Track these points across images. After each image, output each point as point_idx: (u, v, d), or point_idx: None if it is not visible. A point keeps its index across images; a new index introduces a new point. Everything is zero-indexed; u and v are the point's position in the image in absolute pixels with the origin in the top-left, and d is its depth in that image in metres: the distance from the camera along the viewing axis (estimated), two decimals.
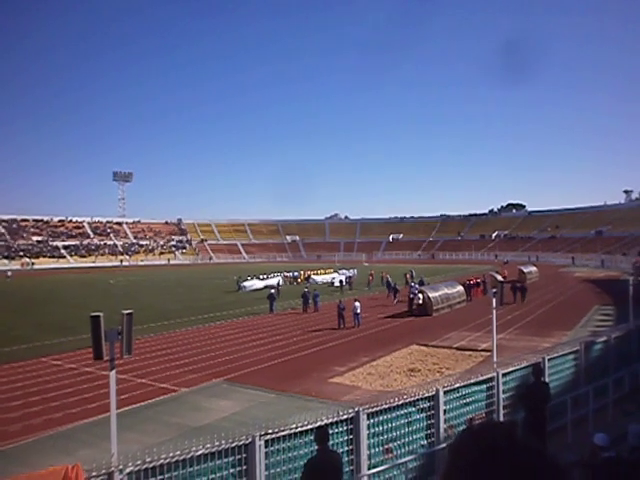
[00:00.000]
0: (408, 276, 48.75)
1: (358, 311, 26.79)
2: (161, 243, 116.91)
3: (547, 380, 12.09)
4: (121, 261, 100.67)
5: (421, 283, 41.37)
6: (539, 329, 24.78)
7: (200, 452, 7.28)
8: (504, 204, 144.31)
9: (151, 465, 6.86)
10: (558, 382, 12.75)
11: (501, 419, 11.08)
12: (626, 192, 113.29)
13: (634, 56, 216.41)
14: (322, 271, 58.41)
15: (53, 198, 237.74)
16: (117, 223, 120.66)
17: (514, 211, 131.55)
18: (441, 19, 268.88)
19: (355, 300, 27.64)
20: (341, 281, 46.99)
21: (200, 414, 13.48)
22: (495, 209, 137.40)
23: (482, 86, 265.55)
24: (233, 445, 7.57)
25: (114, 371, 8.54)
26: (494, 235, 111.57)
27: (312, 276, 54.56)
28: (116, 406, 8.72)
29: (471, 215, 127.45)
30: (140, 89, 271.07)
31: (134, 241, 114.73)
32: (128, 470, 6.68)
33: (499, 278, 35.71)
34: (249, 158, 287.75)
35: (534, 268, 51.26)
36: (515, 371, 11.76)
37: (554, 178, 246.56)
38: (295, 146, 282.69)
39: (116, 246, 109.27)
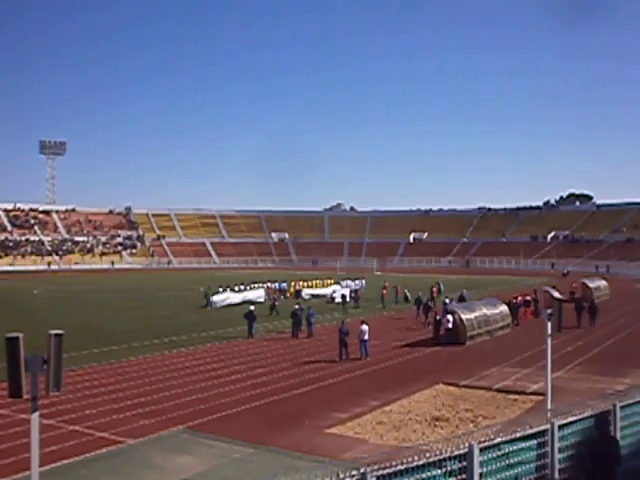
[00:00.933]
0: (435, 290, 48.87)
1: (366, 337, 26.85)
2: (103, 240, 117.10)
3: (619, 435, 12.13)
4: (49, 264, 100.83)
5: (461, 299, 41.48)
6: (609, 366, 24.85)
7: None
8: (564, 194, 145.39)
9: None
10: (633, 438, 12.79)
11: None
12: None
13: None
14: (319, 282, 58.44)
15: None
16: (44, 212, 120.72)
17: (577, 204, 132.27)
18: None
19: (362, 322, 27.70)
20: (344, 296, 47.01)
21: (153, 474, 13.51)
22: (552, 201, 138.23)
23: (538, 31, 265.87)
24: None
25: (37, 413, 8.52)
26: (550, 236, 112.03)
27: (304, 290, 54.43)
28: (40, 462, 8.72)
29: (519, 208, 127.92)
30: (77, 30, 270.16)
31: (67, 237, 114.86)
32: None
33: (556, 295, 35.91)
34: (223, 128, 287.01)
35: (603, 282, 51.41)
36: (576, 422, 11.78)
37: (632, 161, 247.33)
38: (285, 113, 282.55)
39: (42, 243, 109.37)
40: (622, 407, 12.63)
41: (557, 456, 11.32)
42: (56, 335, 8.76)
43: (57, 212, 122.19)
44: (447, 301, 38.61)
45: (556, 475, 11.26)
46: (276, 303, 42.73)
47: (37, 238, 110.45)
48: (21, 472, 11.96)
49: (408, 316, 41.20)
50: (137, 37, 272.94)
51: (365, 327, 27.08)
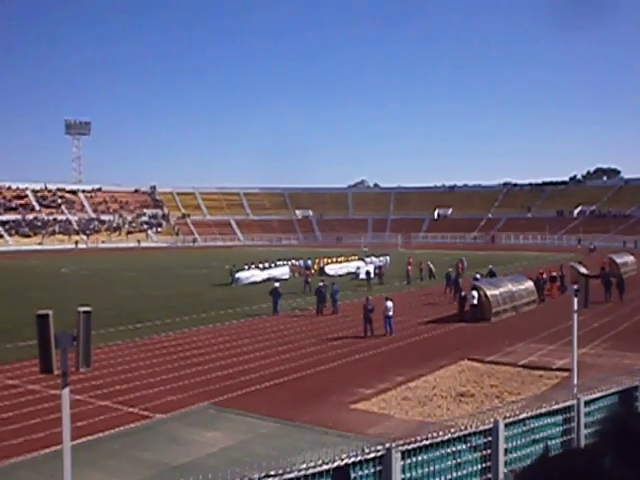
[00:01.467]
0: (461, 266, 48.60)
1: (390, 313, 26.86)
2: (129, 219, 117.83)
3: None
4: (76, 243, 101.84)
5: (491, 274, 41.26)
6: (636, 342, 24.62)
7: None
8: (591, 169, 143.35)
9: None
10: None
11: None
12: None
13: None
14: (343, 259, 58.35)
15: None
16: (71, 191, 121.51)
17: (605, 179, 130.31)
18: None
19: (387, 299, 27.68)
20: (368, 272, 46.95)
21: (180, 449, 13.66)
22: (579, 176, 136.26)
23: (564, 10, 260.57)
24: None
25: (67, 389, 8.66)
26: (577, 212, 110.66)
27: (327, 267, 54.42)
28: (70, 436, 8.88)
29: (545, 184, 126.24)
30: (105, 15, 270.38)
31: (93, 216, 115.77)
32: None
33: (583, 270, 35.56)
34: (247, 106, 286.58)
35: (631, 258, 50.73)
36: (602, 398, 11.74)
37: None
38: (308, 90, 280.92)
39: (70, 222, 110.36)
40: None
41: (583, 432, 11.30)
42: (85, 312, 8.85)
43: (84, 192, 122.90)
44: (478, 276, 38.50)
45: None
46: (309, 280, 42.84)
47: (64, 217, 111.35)
48: (53, 446, 12.18)
49: (433, 292, 41.12)
50: (160, 17, 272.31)
51: (390, 303, 27.07)
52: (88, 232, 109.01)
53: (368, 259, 57.16)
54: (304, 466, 8.26)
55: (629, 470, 6.64)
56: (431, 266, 50.57)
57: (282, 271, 51.40)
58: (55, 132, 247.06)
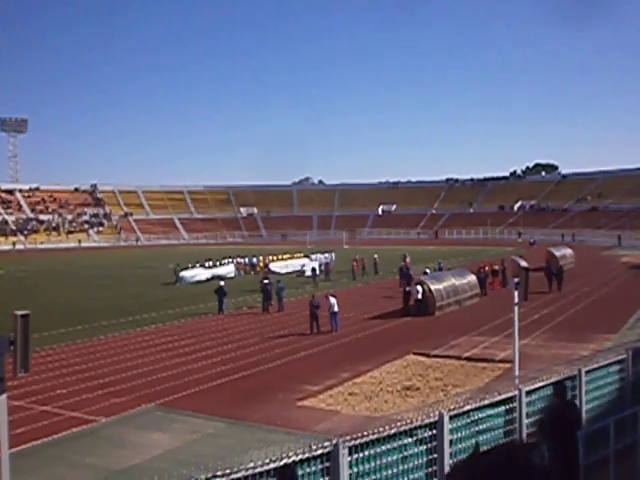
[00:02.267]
0: (408, 261, 49.11)
1: (335, 310, 26.99)
2: (69, 218, 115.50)
3: (584, 399, 12.42)
4: (14, 244, 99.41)
5: (440, 269, 41.79)
6: (575, 332, 25.33)
7: None
8: (530, 165, 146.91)
9: None
10: (599, 401, 13.10)
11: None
12: None
13: None
14: (289, 256, 58.35)
15: None
16: (7, 191, 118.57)
17: (543, 174, 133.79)
18: None
19: (331, 295, 27.79)
20: (314, 269, 47.11)
21: (125, 452, 13.51)
22: (519, 171, 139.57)
23: (500, 15, 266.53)
24: None
25: (4, 395, 8.46)
26: (517, 206, 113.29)
27: (271, 265, 54.24)
28: (8, 443, 8.66)
29: (487, 179, 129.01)
30: (39, 9, 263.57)
31: (31, 216, 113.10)
32: None
33: (523, 264, 36.33)
34: (189, 100, 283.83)
35: (569, 251, 52.18)
36: (542, 388, 12.04)
37: (596, 131, 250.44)
38: (253, 84, 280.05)
39: (6, 223, 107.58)
40: (587, 372, 12.93)
41: (525, 421, 11.57)
42: (22, 316, 8.66)
43: (21, 191, 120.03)
44: (427, 271, 39.29)
45: (525, 440, 11.51)
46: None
47: (0, 218, 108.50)
48: None
49: (384, 286, 41.55)
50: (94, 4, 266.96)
51: (333, 300, 27.19)
52: (26, 232, 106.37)
53: (314, 256, 57.30)
54: (251, 465, 8.23)
55: (560, 461, 6.86)
56: (376, 261, 51.23)
57: (228, 269, 51.11)
58: None
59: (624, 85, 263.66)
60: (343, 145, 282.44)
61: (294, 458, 8.57)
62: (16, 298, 35.81)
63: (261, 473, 8.27)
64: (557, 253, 48.32)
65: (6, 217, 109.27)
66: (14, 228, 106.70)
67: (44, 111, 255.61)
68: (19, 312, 8.69)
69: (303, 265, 52.79)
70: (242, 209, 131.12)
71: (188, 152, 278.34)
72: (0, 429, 8.38)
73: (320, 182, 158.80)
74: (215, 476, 7.99)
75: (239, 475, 8.15)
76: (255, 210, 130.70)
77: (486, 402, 11.16)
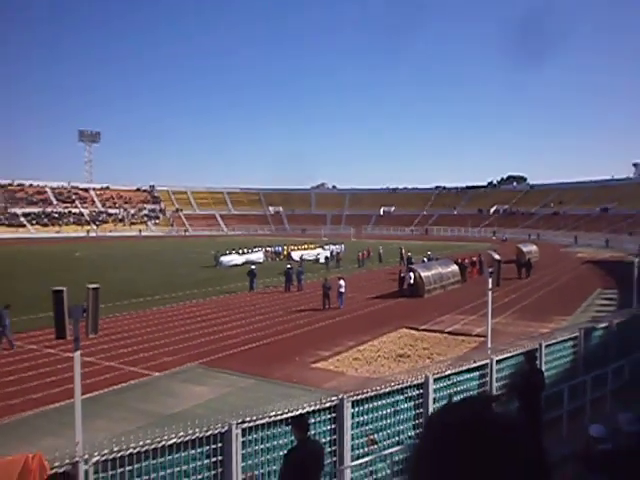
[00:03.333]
0: (405, 252, 48.99)
1: (342, 290, 26.97)
2: (132, 212, 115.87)
3: (543, 368, 12.35)
4: (88, 232, 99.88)
5: (430, 259, 41.73)
6: (537, 313, 25.19)
7: (172, 441, 7.33)
8: (504, 176, 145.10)
9: (119, 455, 6.90)
10: (555, 370, 13.03)
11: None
12: (635, 165, 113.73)
13: None
14: (306, 246, 58.33)
15: (11, 159, 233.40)
16: (83, 189, 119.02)
17: (515, 184, 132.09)
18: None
19: (340, 278, 27.80)
20: (327, 257, 47.08)
21: (172, 400, 13.59)
22: (494, 181, 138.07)
23: (483, 54, 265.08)
24: (208, 434, 7.64)
25: (79, 352, 8.52)
26: (492, 210, 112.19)
27: (292, 253, 54.21)
28: (81, 391, 8.74)
29: (468, 187, 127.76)
30: (111, 41, 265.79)
31: (102, 209, 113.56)
32: (94, 460, 6.71)
33: (496, 257, 36.11)
34: (230, 120, 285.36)
35: (534, 247, 51.73)
36: (510, 358, 11.99)
37: (559, 149, 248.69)
38: (281, 110, 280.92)
39: (82, 215, 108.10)
40: (547, 346, 12.85)
41: (495, 384, 11.54)
42: (93, 289, 8.74)
43: (94, 189, 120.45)
44: (425, 259, 40.51)
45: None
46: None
47: (78, 210, 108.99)
48: (67, 399, 11.98)
49: (378, 274, 41.47)
50: (156, 31, 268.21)
51: (342, 282, 27.19)
52: (98, 223, 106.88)
53: (327, 246, 57.21)
54: (273, 413, 8.28)
55: (527, 416, 6.81)
56: (380, 252, 51.19)
57: (257, 256, 51.14)
58: (70, 140, 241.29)
59: (584, 110, 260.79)
60: (353, 158, 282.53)
61: (307, 409, 8.62)
62: (89, 275, 36.06)
63: (281, 420, 8.32)
64: (525, 249, 47.95)
65: (82, 210, 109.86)
66: (88, 219, 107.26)
67: (114, 125, 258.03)
68: (91, 285, 8.76)
69: (318, 254, 52.72)
70: (270, 208, 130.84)
71: (228, 161, 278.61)
72: (75, 379, 8.47)
73: (334, 187, 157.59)
74: (244, 421, 8.03)
75: (263, 421, 8.19)
76: (281, 209, 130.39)
77: (464, 368, 11.13)
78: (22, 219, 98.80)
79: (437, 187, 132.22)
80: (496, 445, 0.80)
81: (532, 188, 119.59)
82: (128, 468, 6.99)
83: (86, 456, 6.70)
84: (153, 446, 7.19)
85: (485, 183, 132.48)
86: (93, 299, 8.72)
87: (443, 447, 0.83)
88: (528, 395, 9.62)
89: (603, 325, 15.19)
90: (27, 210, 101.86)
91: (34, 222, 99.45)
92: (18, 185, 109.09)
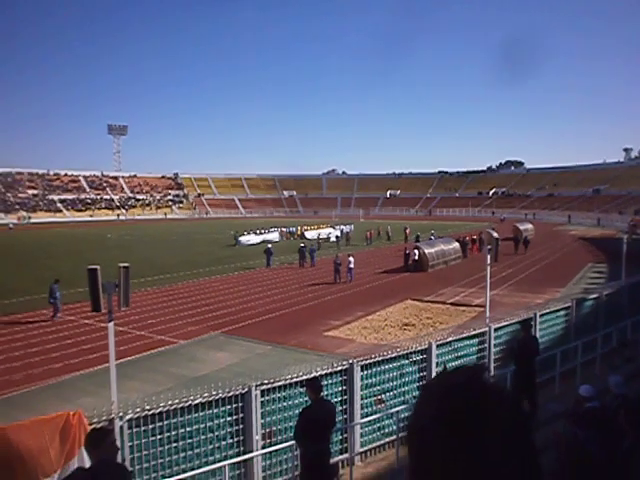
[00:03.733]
0: (408, 231, 48.97)
1: (352, 266, 27.00)
2: (158, 197, 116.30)
3: (538, 335, 12.32)
4: (118, 215, 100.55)
5: (433, 237, 41.75)
6: (533, 286, 25.06)
7: (198, 401, 7.49)
8: (502, 161, 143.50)
9: (150, 412, 7.06)
10: (549, 337, 13.01)
11: (492, 372, 11.36)
12: (626, 150, 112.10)
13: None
14: (319, 226, 58.23)
15: (48, 151, 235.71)
16: (113, 177, 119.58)
17: (512, 168, 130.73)
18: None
19: (349, 255, 27.81)
20: (337, 236, 47.05)
21: (198, 365, 13.76)
22: (493, 166, 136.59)
23: (481, 47, 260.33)
24: (230, 394, 7.77)
25: (112, 323, 8.63)
26: (491, 192, 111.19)
27: (306, 232, 54.21)
28: (115, 356, 8.86)
29: (469, 172, 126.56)
30: (135, 42, 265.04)
31: (131, 195, 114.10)
32: (128, 417, 6.88)
33: (495, 235, 35.97)
34: (247, 112, 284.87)
35: (530, 226, 51.28)
36: (506, 326, 11.97)
37: (554, 135, 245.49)
38: (294, 101, 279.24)
39: (112, 200, 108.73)
40: (541, 315, 12.82)
41: (493, 350, 11.54)
42: (124, 267, 8.84)
43: (123, 177, 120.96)
44: (432, 238, 40.53)
45: (492, 364, 11.49)
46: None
47: (108, 197, 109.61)
48: (103, 364, 12.18)
49: (386, 251, 41.40)
50: (182, 34, 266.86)
51: (351, 259, 27.20)
52: (127, 207, 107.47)
53: (337, 227, 57.13)
54: (289, 376, 8.37)
55: (523, 379, 6.83)
56: (389, 231, 51.12)
57: (273, 236, 51.20)
58: (101, 133, 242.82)
59: (577, 98, 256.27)
60: (361, 145, 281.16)
61: (320, 372, 8.69)
62: (120, 254, 36.36)
63: (296, 382, 8.41)
64: (521, 227, 47.53)
65: (112, 196, 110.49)
66: (118, 204, 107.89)
67: (140, 118, 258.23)
68: (121, 264, 8.86)
69: (329, 233, 52.70)
70: (285, 192, 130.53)
71: (246, 148, 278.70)
72: (109, 346, 8.60)
73: (343, 172, 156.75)
74: (262, 383, 8.13)
75: (280, 383, 8.29)
76: (294, 193, 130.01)
77: (464, 335, 11.14)
78: (59, 205, 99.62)
79: (439, 172, 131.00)
80: (484, 407, 0.86)
81: (528, 172, 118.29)
82: (158, 424, 7.16)
83: (121, 413, 6.85)
84: (181, 405, 7.34)
85: (484, 168, 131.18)
86: (124, 276, 8.83)
87: (437, 410, 0.88)
88: (523, 359, 9.65)
89: (593, 296, 15.09)
90: (63, 197, 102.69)
91: (69, 207, 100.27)
92: (55, 175, 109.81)
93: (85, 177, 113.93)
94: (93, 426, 6.51)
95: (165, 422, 7.22)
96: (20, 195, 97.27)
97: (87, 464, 5.99)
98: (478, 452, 0.82)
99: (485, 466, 0.81)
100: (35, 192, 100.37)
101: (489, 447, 0.83)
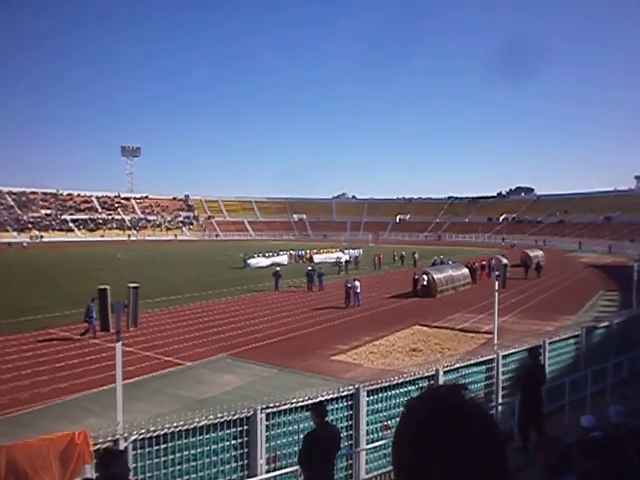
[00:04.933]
0: (416, 256, 48.92)
1: (358, 290, 26.97)
2: (168, 219, 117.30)
3: (547, 363, 12.21)
4: (129, 236, 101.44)
5: (442, 263, 41.59)
6: (543, 313, 24.85)
7: (203, 423, 7.49)
8: (513, 187, 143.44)
9: (155, 434, 7.08)
10: (558, 365, 12.87)
11: (499, 400, 11.24)
12: (637, 178, 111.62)
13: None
14: (328, 250, 58.27)
15: (61, 172, 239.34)
16: (125, 198, 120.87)
17: (523, 195, 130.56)
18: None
19: (355, 280, 27.79)
20: (347, 261, 46.99)
21: (204, 387, 13.73)
22: (503, 192, 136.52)
23: (490, 72, 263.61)
24: (235, 417, 7.77)
25: (120, 343, 8.70)
26: (501, 218, 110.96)
27: (314, 256, 54.24)
28: (122, 377, 8.90)
29: (479, 198, 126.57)
30: (149, 65, 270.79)
31: (142, 216, 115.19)
32: (133, 438, 6.89)
33: (504, 261, 35.79)
34: (258, 135, 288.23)
35: (540, 252, 51.02)
36: (515, 353, 11.87)
37: (564, 162, 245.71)
38: (305, 125, 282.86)
39: (124, 221, 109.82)
40: (550, 343, 12.71)
41: (500, 377, 11.44)
42: (133, 287, 8.93)
43: (134, 198, 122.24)
44: (436, 262, 41.31)
45: (500, 392, 11.37)
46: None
47: (120, 217, 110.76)
48: (110, 384, 12.19)
49: (394, 276, 41.30)
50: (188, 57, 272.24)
51: (357, 283, 27.18)
52: (138, 228, 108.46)
53: (347, 251, 57.14)
54: (294, 400, 8.35)
55: (529, 407, 6.84)
56: (403, 254, 51.27)
57: (282, 258, 51.30)
58: (113, 154, 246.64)
59: (588, 125, 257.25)
60: (371, 170, 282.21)
61: (326, 397, 8.67)
62: (129, 274, 36.59)
63: (302, 406, 8.38)
64: (531, 253, 47.37)
65: (124, 217, 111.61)
66: (129, 225, 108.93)
67: (153, 140, 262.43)
68: (131, 284, 8.96)
69: (338, 257, 52.66)
70: (295, 215, 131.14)
71: (256, 173, 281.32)
72: (116, 366, 8.64)
73: (353, 197, 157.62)
74: (268, 407, 8.11)
75: (285, 407, 8.27)
76: (304, 216, 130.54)
77: (472, 362, 11.07)
78: (71, 224, 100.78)
79: (449, 197, 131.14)
80: (462, 425, 0.92)
81: (539, 198, 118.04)
82: (163, 446, 7.17)
83: (126, 434, 6.87)
84: (186, 427, 7.35)
85: (495, 194, 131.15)
86: (133, 296, 8.93)
87: (418, 428, 0.94)
88: (530, 388, 9.57)
89: (604, 324, 14.95)
90: (75, 217, 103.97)
91: (81, 227, 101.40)
92: (68, 195, 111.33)
93: (97, 197, 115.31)
94: (98, 446, 6.54)
95: (170, 444, 7.22)
96: (33, 214, 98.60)
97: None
98: (452, 470, 0.88)
99: None
100: (48, 212, 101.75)
101: (464, 471, 0.88)
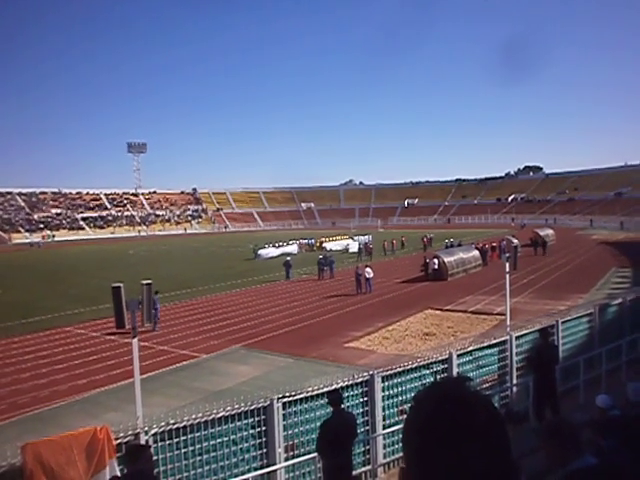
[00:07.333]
0: (426, 240, 48.76)
1: (369, 276, 27.01)
2: (177, 213, 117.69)
3: (561, 342, 12.21)
4: (139, 231, 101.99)
5: (452, 245, 41.49)
6: (555, 292, 24.74)
7: (221, 414, 7.61)
8: (521, 167, 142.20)
9: (175, 427, 7.21)
10: (572, 344, 12.85)
11: (514, 380, 11.26)
12: None
13: None
14: (337, 238, 58.14)
15: (69, 171, 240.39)
16: (133, 194, 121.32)
17: (531, 174, 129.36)
18: None
19: (366, 266, 27.83)
20: (360, 248, 46.66)
21: (220, 379, 13.87)
22: (512, 172, 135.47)
23: (498, 48, 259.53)
24: (252, 408, 7.88)
25: (136, 339, 8.80)
26: (510, 198, 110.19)
27: (324, 244, 54.24)
28: (139, 372, 9.02)
29: (487, 179, 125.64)
30: (153, 59, 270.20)
31: (151, 212, 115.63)
32: (153, 431, 7.02)
33: (515, 242, 35.66)
34: (263, 125, 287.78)
35: (551, 231, 50.68)
36: (528, 334, 11.86)
37: (572, 139, 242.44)
38: (310, 113, 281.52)
39: (133, 217, 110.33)
40: (563, 322, 12.69)
41: (514, 359, 11.45)
42: (147, 284, 9.04)
43: (143, 194, 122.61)
44: (449, 245, 41.55)
45: (514, 373, 11.39)
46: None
47: (129, 213, 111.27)
48: (127, 379, 12.38)
49: (406, 261, 41.26)
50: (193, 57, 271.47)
51: (369, 269, 27.20)
52: (147, 223, 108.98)
53: (356, 238, 57.00)
54: (310, 389, 8.44)
55: (542, 387, 6.86)
56: (403, 240, 51.02)
57: (292, 248, 51.32)
58: (120, 151, 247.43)
59: (595, 98, 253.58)
60: (378, 155, 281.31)
61: (341, 384, 8.74)
62: (141, 270, 36.86)
63: (317, 394, 8.47)
64: (542, 233, 46.99)
65: (133, 213, 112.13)
66: (139, 220, 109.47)
67: (159, 136, 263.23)
68: (144, 281, 9.07)
69: (347, 244, 52.65)
70: (303, 204, 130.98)
71: (262, 163, 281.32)
72: (134, 362, 8.76)
73: (361, 183, 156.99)
74: (284, 396, 8.20)
75: (301, 396, 8.35)
76: (312, 204, 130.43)
77: (485, 344, 11.09)
78: (81, 222, 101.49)
79: (457, 179, 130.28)
80: (466, 414, 0.98)
81: (548, 177, 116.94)
82: (183, 438, 7.29)
83: (146, 428, 7.00)
84: (204, 419, 7.47)
85: (503, 174, 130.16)
86: (147, 293, 9.04)
87: (426, 417, 1.01)
88: (542, 368, 9.57)
89: (617, 302, 14.85)
90: (85, 215, 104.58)
91: (92, 225, 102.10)
92: (76, 193, 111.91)
93: (106, 195, 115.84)
94: (119, 441, 6.67)
95: (189, 435, 7.35)
96: (44, 214, 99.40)
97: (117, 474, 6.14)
98: (458, 461, 0.94)
99: (465, 476, 0.94)
100: (58, 211, 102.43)
101: (468, 456, 0.94)
